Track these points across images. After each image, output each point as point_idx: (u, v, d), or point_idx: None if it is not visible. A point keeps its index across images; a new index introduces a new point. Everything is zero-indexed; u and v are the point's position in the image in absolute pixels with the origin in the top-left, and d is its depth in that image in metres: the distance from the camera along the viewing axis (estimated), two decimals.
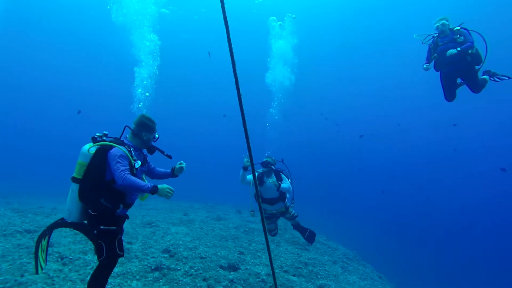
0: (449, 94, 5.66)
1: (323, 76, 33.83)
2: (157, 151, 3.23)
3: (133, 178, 2.63)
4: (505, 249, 17.37)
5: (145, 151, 3.25)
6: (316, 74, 32.14)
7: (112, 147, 2.73)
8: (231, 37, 1.74)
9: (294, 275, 6.41)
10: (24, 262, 4.88)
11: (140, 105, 4.72)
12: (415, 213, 23.38)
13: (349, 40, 28.47)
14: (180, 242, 7.15)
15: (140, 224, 8.64)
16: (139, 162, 2.86)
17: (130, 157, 2.78)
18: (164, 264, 5.52)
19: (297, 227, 6.67)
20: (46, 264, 3.05)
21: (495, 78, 5.45)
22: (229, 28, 1.72)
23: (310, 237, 6.68)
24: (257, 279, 5.61)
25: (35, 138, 36.94)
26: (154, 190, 2.64)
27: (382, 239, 16.63)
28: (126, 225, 8.12)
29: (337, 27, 26.81)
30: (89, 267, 4.98)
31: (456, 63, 5.21)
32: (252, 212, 5.59)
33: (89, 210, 2.74)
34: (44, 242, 2.98)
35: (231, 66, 1.77)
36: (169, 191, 2.73)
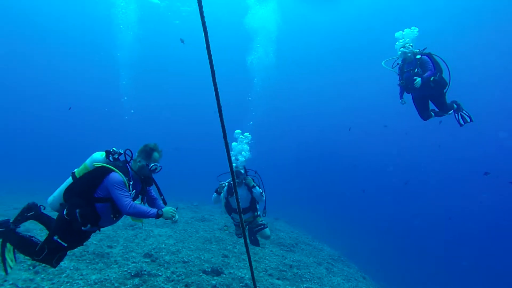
0: (423, 113, 5.69)
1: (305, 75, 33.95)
2: (154, 186, 3.13)
3: (138, 205, 2.72)
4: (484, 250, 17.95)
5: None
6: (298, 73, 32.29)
7: (112, 171, 2.70)
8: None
9: (278, 279, 6.36)
10: None
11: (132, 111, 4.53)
12: (401, 212, 23.82)
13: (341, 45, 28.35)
14: (163, 246, 6.97)
15: (121, 226, 8.37)
16: (132, 194, 2.81)
17: (128, 186, 2.75)
18: (145, 270, 5.35)
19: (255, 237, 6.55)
20: (15, 261, 2.96)
21: (459, 117, 5.54)
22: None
23: (254, 241, 6.63)
24: (241, 284, 5.53)
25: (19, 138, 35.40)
26: (159, 215, 2.77)
27: (367, 238, 16.87)
28: (108, 227, 7.86)
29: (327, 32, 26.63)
30: (64, 274, 4.74)
31: (421, 89, 5.21)
32: (226, 227, 5.64)
33: (64, 211, 2.69)
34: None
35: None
36: (174, 212, 2.86)
